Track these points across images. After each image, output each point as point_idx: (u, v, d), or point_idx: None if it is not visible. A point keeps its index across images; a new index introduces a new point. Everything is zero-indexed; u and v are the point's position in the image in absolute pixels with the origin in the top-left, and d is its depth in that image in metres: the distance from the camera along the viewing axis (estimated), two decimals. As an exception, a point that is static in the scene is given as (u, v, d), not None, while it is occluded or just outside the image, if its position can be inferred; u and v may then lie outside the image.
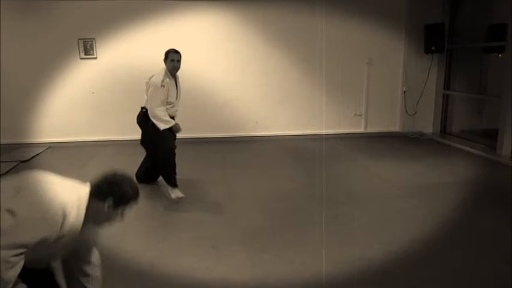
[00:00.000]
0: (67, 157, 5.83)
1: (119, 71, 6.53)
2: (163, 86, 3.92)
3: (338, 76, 7.01)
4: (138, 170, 4.46)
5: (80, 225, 1.84)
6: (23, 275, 1.78)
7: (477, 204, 3.92)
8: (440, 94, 7.07)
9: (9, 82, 6.29)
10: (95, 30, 6.38)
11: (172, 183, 4.03)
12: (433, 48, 6.66)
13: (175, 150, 4.10)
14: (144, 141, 4.41)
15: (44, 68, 6.37)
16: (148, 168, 4.42)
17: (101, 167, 5.10)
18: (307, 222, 3.48)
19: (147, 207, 3.81)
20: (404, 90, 7.09)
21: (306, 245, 3.07)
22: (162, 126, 3.98)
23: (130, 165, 5.33)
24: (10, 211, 1.71)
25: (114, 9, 6.33)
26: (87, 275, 2.07)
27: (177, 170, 4.07)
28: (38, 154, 5.91)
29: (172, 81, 4.07)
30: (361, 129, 7.20)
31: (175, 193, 3.98)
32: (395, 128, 7.28)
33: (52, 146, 6.37)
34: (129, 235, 3.23)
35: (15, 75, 6.31)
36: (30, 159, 5.64)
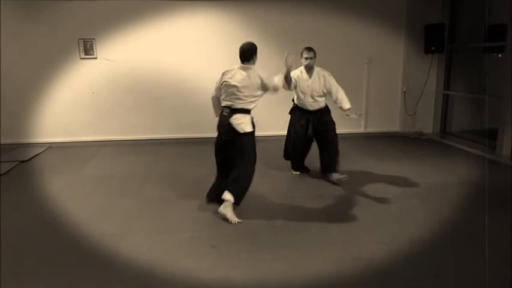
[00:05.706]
0: (67, 157, 5.84)
1: (119, 71, 6.54)
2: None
3: (338, 76, 6.99)
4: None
5: None
6: None
7: (477, 204, 3.92)
8: (440, 94, 7.07)
9: (10, 82, 6.31)
10: (95, 30, 6.38)
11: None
12: (433, 48, 6.66)
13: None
14: None
15: (44, 68, 6.37)
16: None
17: (101, 167, 5.17)
18: (307, 221, 3.48)
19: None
20: (404, 90, 7.09)
21: (306, 245, 3.07)
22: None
23: (130, 165, 5.38)
24: None
25: (114, 9, 6.33)
26: None
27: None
28: (38, 154, 5.91)
29: (305, 75, 4.84)
30: (361, 129, 7.20)
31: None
32: (395, 128, 7.27)
33: (52, 146, 6.37)
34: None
35: (15, 75, 6.32)
36: (30, 159, 5.65)
